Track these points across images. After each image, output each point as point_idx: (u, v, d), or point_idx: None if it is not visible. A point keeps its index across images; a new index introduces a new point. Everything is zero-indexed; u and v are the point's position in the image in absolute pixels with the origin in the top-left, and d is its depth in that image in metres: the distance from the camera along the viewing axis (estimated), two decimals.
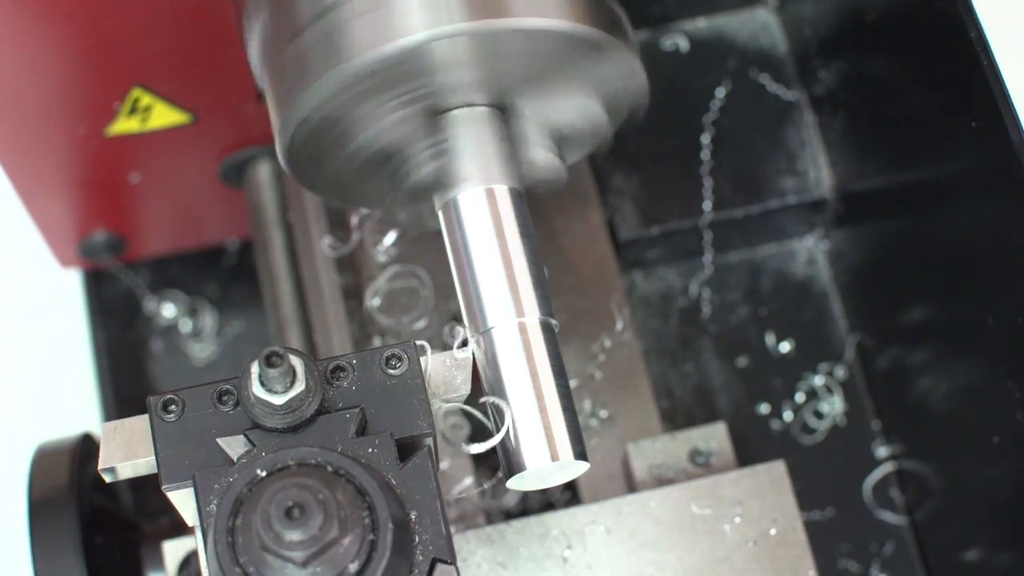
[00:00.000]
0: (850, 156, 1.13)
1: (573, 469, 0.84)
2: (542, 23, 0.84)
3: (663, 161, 1.17)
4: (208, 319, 1.27)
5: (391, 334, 1.04)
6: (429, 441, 0.78)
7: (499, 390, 0.84)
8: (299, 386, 0.75)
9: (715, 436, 1.00)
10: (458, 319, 0.89)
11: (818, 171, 1.17)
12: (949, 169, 0.97)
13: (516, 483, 0.84)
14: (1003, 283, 0.92)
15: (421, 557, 0.74)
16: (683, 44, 1.22)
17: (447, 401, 0.81)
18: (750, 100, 1.19)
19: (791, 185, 1.16)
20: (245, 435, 0.76)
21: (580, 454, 0.84)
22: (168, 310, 1.27)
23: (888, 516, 1.14)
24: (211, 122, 1.08)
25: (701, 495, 0.96)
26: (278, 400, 0.74)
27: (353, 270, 1.07)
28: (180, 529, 1.01)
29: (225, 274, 1.28)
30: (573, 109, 0.91)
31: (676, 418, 1.15)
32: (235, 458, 0.75)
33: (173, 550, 0.99)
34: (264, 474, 0.73)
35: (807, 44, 1.17)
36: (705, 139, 1.18)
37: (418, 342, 0.80)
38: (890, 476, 1.15)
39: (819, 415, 1.16)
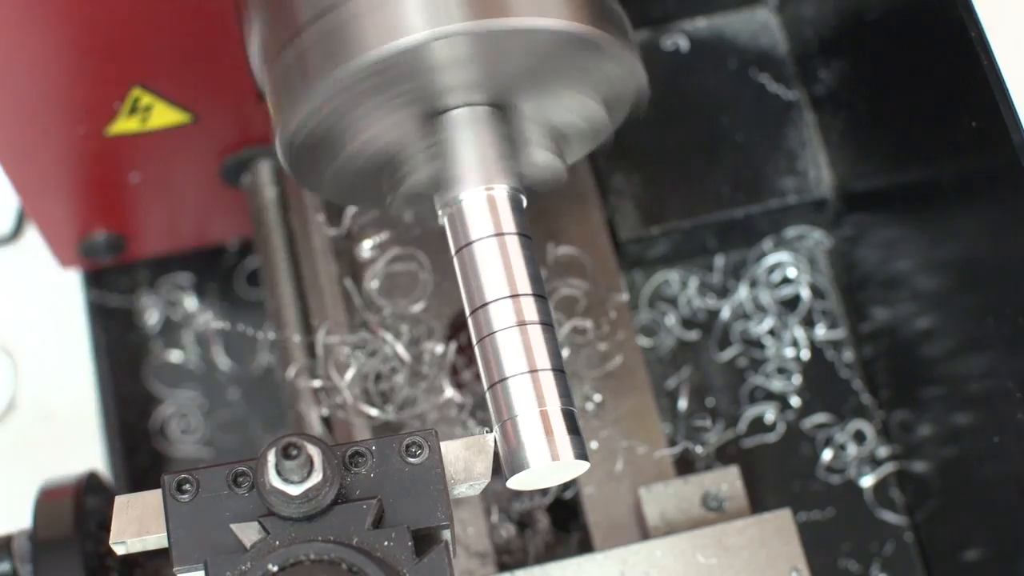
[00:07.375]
0: (850, 156, 1.13)
1: (573, 469, 0.84)
2: (542, 23, 0.84)
3: (663, 161, 1.17)
4: (208, 319, 1.27)
5: (390, 326, 1.05)
6: (446, 533, 0.77)
7: (502, 394, 0.84)
8: (316, 476, 0.73)
9: (727, 479, 0.99)
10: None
11: (818, 171, 1.17)
12: (949, 169, 0.97)
13: (516, 482, 0.84)
14: (1004, 283, 0.92)
15: None
16: (683, 44, 1.22)
17: (467, 487, 0.79)
18: (750, 100, 1.19)
19: (791, 185, 1.16)
20: (259, 522, 0.74)
21: (580, 454, 0.84)
22: (168, 310, 1.27)
23: (888, 516, 1.14)
24: (211, 122, 1.08)
25: (707, 544, 0.95)
26: (295, 490, 0.73)
27: (354, 269, 1.08)
28: None
29: (225, 274, 1.28)
30: (573, 108, 0.91)
31: (676, 418, 1.15)
32: (248, 544, 0.74)
33: None
34: (276, 569, 0.72)
35: (807, 44, 1.17)
36: (705, 139, 1.18)
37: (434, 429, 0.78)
38: (890, 476, 1.15)
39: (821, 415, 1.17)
